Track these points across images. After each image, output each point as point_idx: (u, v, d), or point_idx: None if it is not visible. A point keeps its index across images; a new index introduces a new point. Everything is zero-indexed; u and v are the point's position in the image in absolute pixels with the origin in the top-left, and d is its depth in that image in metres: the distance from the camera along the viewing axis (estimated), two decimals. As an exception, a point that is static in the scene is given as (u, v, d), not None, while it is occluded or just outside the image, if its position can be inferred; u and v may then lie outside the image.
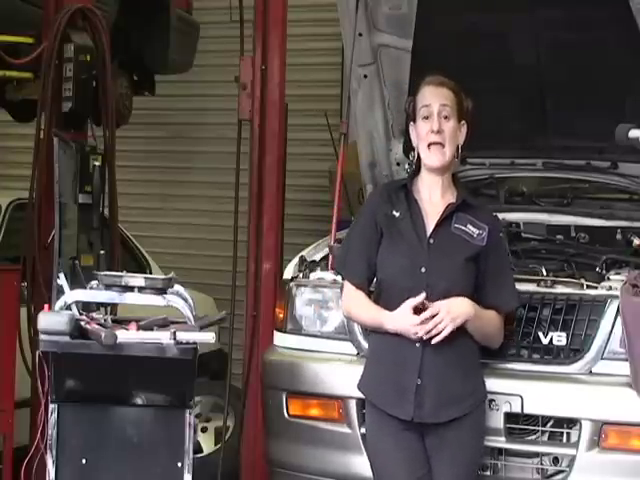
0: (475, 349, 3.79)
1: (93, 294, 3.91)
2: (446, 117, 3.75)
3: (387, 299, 3.75)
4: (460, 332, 3.69)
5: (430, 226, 3.75)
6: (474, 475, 3.83)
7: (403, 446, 3.72)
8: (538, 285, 4.07)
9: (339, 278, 4.35)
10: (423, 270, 3.69)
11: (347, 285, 3.91)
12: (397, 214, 3.78)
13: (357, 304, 3.88)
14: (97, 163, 5.25)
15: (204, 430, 6.45)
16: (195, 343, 3.70)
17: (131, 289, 3.82)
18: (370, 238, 3.82)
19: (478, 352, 3.81)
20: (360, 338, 4.24)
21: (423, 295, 3.65)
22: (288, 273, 4.56)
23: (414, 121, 3.83)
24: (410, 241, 3.74)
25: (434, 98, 3.76)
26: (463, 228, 3.75)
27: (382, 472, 3.80)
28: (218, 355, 6.64)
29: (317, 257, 4.61)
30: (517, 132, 5.15)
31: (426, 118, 3.76)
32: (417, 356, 3.68)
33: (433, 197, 3.80)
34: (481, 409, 3.81)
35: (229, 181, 5.76)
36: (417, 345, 3.68)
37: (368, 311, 3.84)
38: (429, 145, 3.76)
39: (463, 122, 3.81)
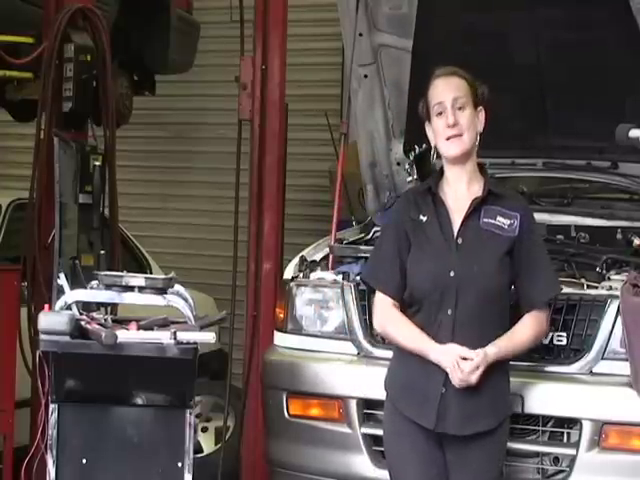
0: (505, 362, 3.67)
1: (93, 294, 3.91)
2: (460, 108, 3.63)
3: (417, 307, 3.64)
4: (491, 336, 3.59)
5: (457, 225, 3.62)
6: None
7: (420, 453, 3.62)
8: (538, 285, 4.06)
9: (339, 278, 4.36)
10: (452, 274, 3.56)
11: (380, 297, 3.75)
12: (424, 218, 3.65)
13: (395, 322, 3.70)
14: (97, 163, 5.24)
15: (204, 430, 6.45)
16: (195, 343, 3.70)
17: (131, 289, 3.82)
18: (400, 246, 3.68)
19: (507, 366, 3.71)
20: (360, 338, 4.24)
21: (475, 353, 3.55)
22: (288, 273, 4.56)
23: (429, 120, 3.71)
24: (437, 244, 3.60)
25: (446, 92, 3.64)
26: (492, 221, 3.61)
27: (396, 473, 3.72)
28: (218, 355, 6.64)
29: (317, 257, 4.62)
30: (517, 132, 5.15)
31: (440, 114, 3.64)
32: None
33: (459, 192, 3.67)
34: (505, 426, 3.71)
35: (229, 181, 5.76)
36: None
37: (411, 337, 3.64)
38: (447, 139, 3.63)
39: (480, 108, 3.68)
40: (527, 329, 3.67)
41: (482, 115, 3.69)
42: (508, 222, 3.62)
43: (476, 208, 3.63)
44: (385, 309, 3.73)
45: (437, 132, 3.67)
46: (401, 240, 3.69)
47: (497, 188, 3.73)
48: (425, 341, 3.60)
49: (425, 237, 3.63)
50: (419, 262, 3.61)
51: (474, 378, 3.53)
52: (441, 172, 3.75)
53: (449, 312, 3.57)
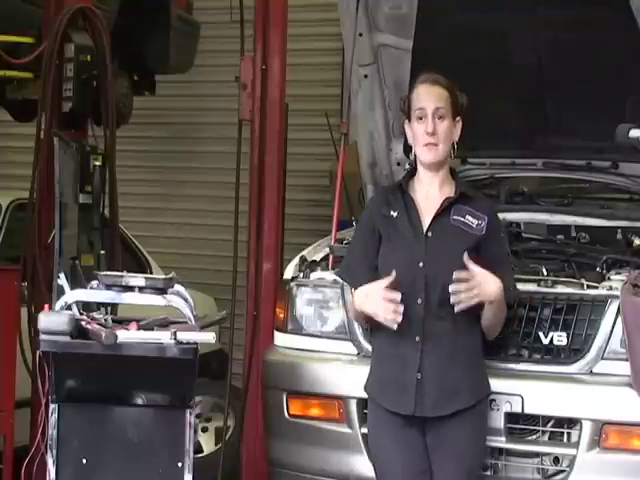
0: (477, 343, 3.78)
1: (93, 294, 3.91)
2: (440, 117, 3.75)
3: None
4: (462, 323, 3.69)
5: (427, 221, 3.75)
6: (476, 473, 3.83)
7: (403, 442, 3.72)
8: (539, 285, 4.07)
9: (339, 278, 4.36)
10: (421, 265, 3.69)
11: (353, 293, 3.93)
12: (394, 214, 3.79)
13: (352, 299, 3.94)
14: (97, 163, 5.25)
15: (204, 430, 6.45)
16: (196, 343, 3.70)
17: (131, 289, 3.82)
18: (369, 243, 3.84)
19: (480, 346, 3.80)
20: (360, 338, 4.25)
21: (393, 275, 3.63)
22: (288, 273, 4.56)
23: (409, 120, 3.83)
24: (407, 237, 3.75)
25: (428, 100, 3.76)
26: (462, 219, 3.75)
27: (383, 469, 3.82)
28: (218, 355, 6.64)
29: (317, 257, 4.61)
30: (517, 132, 5.16)
31: (420, 119, 3.77)
32: (416, 351, 3.68)
33: (430, 193, 3.81)
34: (484, 406, 3.81)
35: (229, 181, 5.76)
36: (417, 339, 3.68)
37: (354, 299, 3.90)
38: (424, 145, 3.76)
39: (458, 119, 3.81)
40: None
41: (459, 125, 3.82)
42: (476, 222, 3.76)
43: (447, 207, 3.76)
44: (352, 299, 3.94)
45: (416, 136, 3.80)
46: (370, 236, 3.85)
47: (468, 190, 3.87)
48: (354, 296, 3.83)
49: (395, 231, 3.78)
50: (390, 254, 3.76)
51: (463, 289, 3.59)
52: (414, 170, 3.87)
53: (419, 301, 3.68)
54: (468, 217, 3.75)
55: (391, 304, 3.62)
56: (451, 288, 3.59)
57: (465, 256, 3.61)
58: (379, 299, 3.64)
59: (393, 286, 3.63)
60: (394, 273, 3.64)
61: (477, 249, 3.73)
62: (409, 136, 3.85)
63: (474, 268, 3.61)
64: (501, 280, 3.70)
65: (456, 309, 3.62)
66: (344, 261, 4.08)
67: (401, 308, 3.61)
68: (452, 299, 3.60)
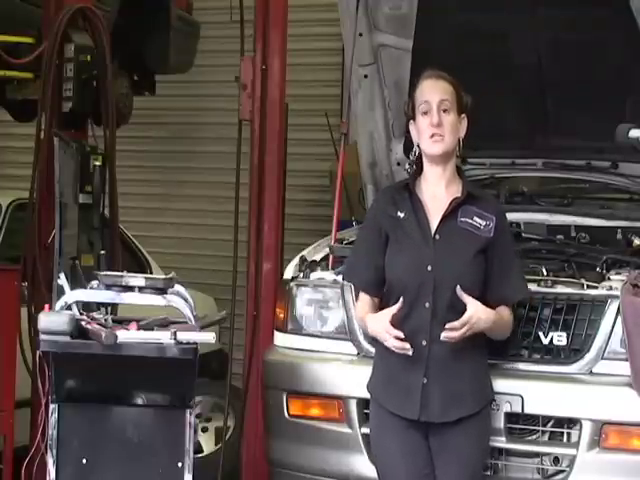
0: (482, 349, 3.77)
1: (93, 294, 3.91)
2: (445, 110, 3.72)
3: (396, 300, 3.69)
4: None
5: (435, 223, 3.72)
6: (479, 476, 3.82)
7: (407, 444, 3.71)
8: (538, 285, 4.06)
9: (339, 278, 4.36)
10: (429, 268, 3.66)
11: (359, 294, 3.94)
12: (401, 215, 3.76)
13: (359, 308, 3.93)
14: (97, 163, 5.25)
15: (204, 430, 6.46)
16: (195, 343, 3.70)
17: (131, 289, 3.82)
18: (374, 243, 3.81)
19: (485, 352, 3.80)
20: (360, 338, 4.24)
21: (399, 304, 3.64)
22: (288, 273, 4.56)
23: (414, 119, 3.80)
24: (415, 240, 3.72)
25: (433, 93, 3.73)
26: (470, 221, 3.72)
27: (385, 471, 3.81)
28: (218, 355, 6.64)
29: (317, 257, 4.61)
30: (517, 132, 5.16)
31: (425, 113, 3.73)
32: (423, 355, 3.66)
33: (437, 193, 3.77)
34: (487, 410, 3.80)
35: (229, 181, 5.76)
36: (423, 343, 3.66)
37: (361, 313, 3.89)
38: (430, 136, 3.72)
39: (463, 115, 3.78)
40: (509, 313, 3.81)
41: (464, 122, 3.80)
42: (484, 223, 3.74)
43: (454, 208, 3.73)
44: (359, 302, 3.92)
45: (421, 130, 3.76)
46: (376, 237, 3.82)
47: (474, 190, 3.84)
48: (365, 316, 3.81)
49: (403, 233, 3.75)
50: (397, 256, 3.74)
51: (458, 335, 3.60)
52: (419, 170, 3.83)
53: (427, 305, 3.67)
54: (475, 218, 3.73)
55: (397, 342, 3.62)
56: (444, 335, 3.59)
57: (458, 289, 3.60)
58: (384, 331, 3.65)
59: (398, 314, 3.65)
60: (401, 300, 3.63)
61: (484, 250, 3.71)
62: (414, 134, 3.81)
63: (468, 308, 3.59)
64: (505, 283, 3.73)
65: (442, 337, 3.60)
66: (348, 261, 4.08)
67: (407, 345, 3.61)
68: (444, 338, 3.60)
